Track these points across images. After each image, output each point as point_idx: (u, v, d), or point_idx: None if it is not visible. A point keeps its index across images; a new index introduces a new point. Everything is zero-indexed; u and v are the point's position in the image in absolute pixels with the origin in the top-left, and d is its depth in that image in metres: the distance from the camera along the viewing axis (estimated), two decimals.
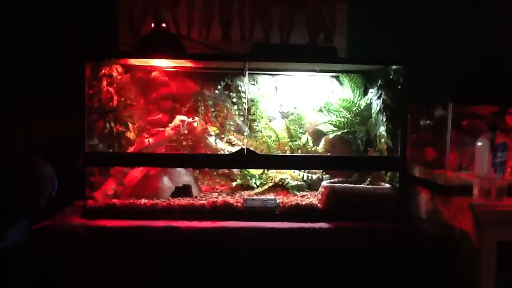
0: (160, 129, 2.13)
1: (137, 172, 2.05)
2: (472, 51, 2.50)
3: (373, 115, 2.10)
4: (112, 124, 2.02)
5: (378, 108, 2.03)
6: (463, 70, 2.46)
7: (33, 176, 2.03)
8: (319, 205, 1.97)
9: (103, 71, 2.00)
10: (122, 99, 2.07)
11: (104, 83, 1.99)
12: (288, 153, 2.24)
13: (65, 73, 2.31)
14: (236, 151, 1.98)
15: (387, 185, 2.01)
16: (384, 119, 2.01)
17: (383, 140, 2.02)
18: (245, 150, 1.95)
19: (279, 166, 2.09)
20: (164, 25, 2.05)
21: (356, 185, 1.98)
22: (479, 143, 1.92)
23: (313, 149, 2.24)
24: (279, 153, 2.23)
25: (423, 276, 1.87)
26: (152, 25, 2.07)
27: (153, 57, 1.98)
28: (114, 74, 2.04)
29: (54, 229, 1.81)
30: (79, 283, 1.82)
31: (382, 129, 2.02)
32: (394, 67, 2.00)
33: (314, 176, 2.18)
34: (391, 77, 2.02)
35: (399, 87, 1.97)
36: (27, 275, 1.84)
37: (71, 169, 2.02)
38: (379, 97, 2.03)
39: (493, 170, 1.89)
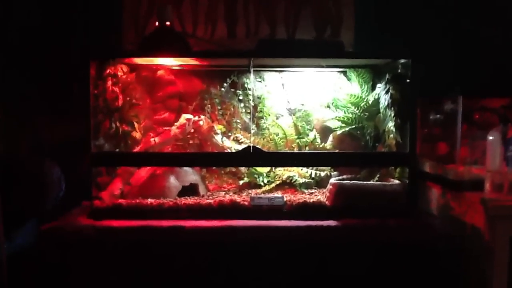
0: (166, 128, 2.11)
1: (143, 172, 2.04)
2: (482, 42, 2.44)
3: (381, 110, 2.06)
4: (118, 124, 2.01)
5: (386, 103, 2.00)
6: (472, 62, 2.40)
7: (40, 178, 2.03)
8: (327, 202, 1.94)
9: (108, 71, 1.99)
10: (128, 98, 2.06)
11: (109, 82, 1.98)
12: (295, 150, 2.21)
13: (71, 74, 2.31)
14: (242, 149, 1.96)
15: (397, 181, 1.97)
16: (393, 114, 1.97)
17: (391, 135, 1.99)
18: (251, 148, 1.93)
19: (286, 164, 2.07)
20: (168, 23, 2.03)
21: (365, 182, 1.95)
22: (491, 137, 1.88)
23: (321, 145, 2.21)
24: (287, 150, 2.21)
25: (434, 273, 1.84)
26: (157, 23, 2.05)
27: (157, 55, 1.97)
28: (119, 73, 2.03)
29: (61, 230, 1.81)
30: (86, 283, 1.82)
31: (391, 125, 1.99)
32: (402, 61, 1.97)
33: (322, 173, 2.15)
34: (399, 71, 1.98)
35: (408, 81, 1.93)
36: (35, 275, 1.84)
37: (79, 169, 2.02)
38: (387, 92, 2.00)
39: (505, 164, 1.85)
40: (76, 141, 2.05)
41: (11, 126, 2.30)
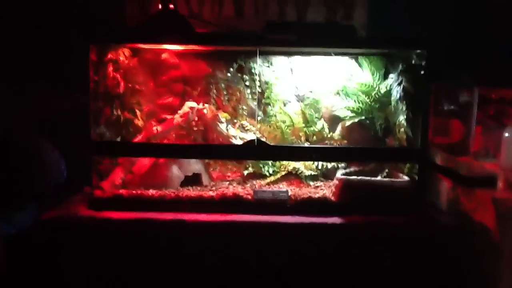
0: (169, 116, 2.06)
1: (146, 160, 2.00)
2: (499, 27, 2.31)
3: (393, 103, 1.98)
4: (120, 111, 1.96)
5: (398, 95, 1.92)
6: (490, 49, 2.28)
7: (38, 159, 2.00)
8: (332, 198, 1.89)
9: (109, 56, 1.92)
10: (130, 85, 1.99)
11: (110, 68, 1.92)
12: (303, 139, 2.15)
13: (71, 52, 2.24)
14: (247, 142, 1.91)
15: (406, 178, 1.91)
16: (404, 108, 1.89)
17: (402, 129, 1.91)
18: (256, 141, 1.87)
19: (292, 158, 2.02)
20: (172, 6, 1.94)
21: (372, 178, 1.89)
22: (506, 134, 1.80)
23: (329, 135, 2.15)
24: (294, 139, 2.14)
25: (441, 271, 1.81)
26: (160, 6, 1.96)
27: (159, 42, 1.90)
28: (121, 58, 1.96)
29: (61, 220, 1.79)
30: (84, 274, 1.81)
31: (402, 118, 1.91)
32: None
33: (329, 165, 2.09)
34: (413, 61, 1.89)
35: (422, 72, 1.84)
36: (34, 261, 1.84)
37: (81, 154, 1.98)
38: (399, 84, 1.91)
39: None
40: (79, 126, 2.01)
41: (10, 106, 2.26)
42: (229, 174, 2.21)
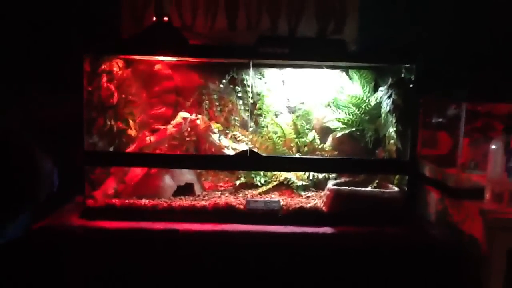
0: (162, 127, 2.07)
1: (138, 170, 2.00)
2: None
3: (383, 115, 2.01)
4: (113, 121, 1.97)
5: (388, 108, 1.95)
6: (479, 65, 2.33)
7: (31, 169, 1.99)
8: (323, 208, 1.91)
9: (103, 67, 1.93)
10: (123, 95, 2.01)
11: (104, 79, 1.93)
12: (294, 149, 2.17)
13: (67, 60, 2.24)
14: (239, 152, 1.93)
15: (395, 188, 1.94)
16: (394, 120, 1.92)
17: (392, 141, 1.94)
18: (248, 151, 1.89)
19: (283, 169, 2.03)
20: (166, 18, 1.97)
21: (363, 189, 1.92)
22: (493, 146, 1.84)
23: (320, 146, 2.17)
24: (285, 151, 2.17)
25: (430, 283, 1.82)
26: (154, 18, 1.98)
27: (153, 54, 1.92)
28: (115, 69, 1.97)
29: (53, 229, 1.79)
30: (77, 284, 1.81)
31: (392, 130, 1.95)
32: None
33: (320, 175, 2.12)
34: (402, 75, 1.93)
35: (411, 86, 1.88)
36: (25, 272, 1.83)
37: (72, 164, 1.98)
38: (389, 97, 1.95)
39: (507, 175, 1.81)
40: (71, 135, 2.01)
41: (6, 108, 2.25)
42: (221, 184, 2.22)
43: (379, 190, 1.93)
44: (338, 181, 2.02)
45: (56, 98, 2.26)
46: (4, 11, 2.25)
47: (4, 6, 2.25)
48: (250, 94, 2.18)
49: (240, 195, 2.07)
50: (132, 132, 2.04)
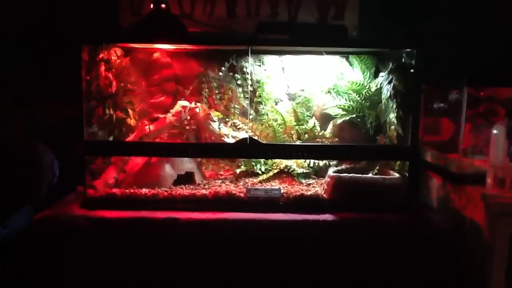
0: (161, 115, 2.06)
1: (139, 159, 2.00)
2: (491, 29, 2.34)
3: (383, 101, 2.00)
4: (112, 111, 1.96)
5: (389, 93, 1.93)
6: (480, 49, 2.31)
7: (33, 162, 2.00)
8: (324, 195, 1.91)
9: (101, 56, 1.92)
10: (122, 84, 2.00)
11: (102, 68, 1.92)
12: (294, 137, 2.16)
13: (65, 54, 2.24)
14: (239, 140, 1.92)
15: (396, 175, 1.93)
16: (395, 106, 1.91)
17: (393, 127, 1.93)
18: (248, 139, 1.88)
19: (284, 156, 2.02)
20: (163, 5, 1.95)
21: (364, 175, 1.91)
22: (495, 131, 1.83)
23: (320, 133, 2.16)
24: (285, 139, 2.16)
25: (432, 269, 1.82)
26: (151, 5, 1.96)
27: (151, 42, 1.90)
28: (113, 58, 1.96)
29: (54, 220, 1.79)
30: (78, 273, 1.81)
31: (392, 116, 1.93)
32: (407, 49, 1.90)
33: (321, 163, 2.11)
34: (403, 60, 1.91)
35: (412, 71, 1.86)
36: (28, 262, 1.83)
37: (73, 154, 1.98)
38: (389, 82, 1.93)
39: (509, 159, 1.80)
40: (71, 125, 2.00)
41: (4, 110, 2.25)
42: (221, 172, 2.22)
43: (380, 176, 1.92)
44: (339, 168, 2.02)
45: (57, 98, 2.28)
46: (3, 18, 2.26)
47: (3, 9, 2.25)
48: (249, 82, 2.16)
49: (241, 183, 2.06)
50: (132, 121, 2.04)
